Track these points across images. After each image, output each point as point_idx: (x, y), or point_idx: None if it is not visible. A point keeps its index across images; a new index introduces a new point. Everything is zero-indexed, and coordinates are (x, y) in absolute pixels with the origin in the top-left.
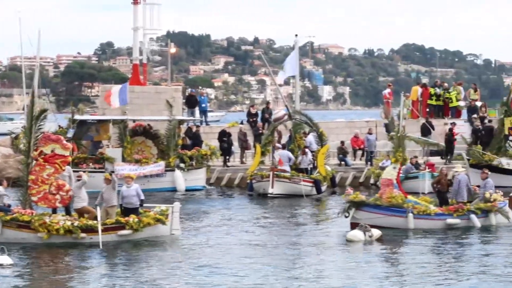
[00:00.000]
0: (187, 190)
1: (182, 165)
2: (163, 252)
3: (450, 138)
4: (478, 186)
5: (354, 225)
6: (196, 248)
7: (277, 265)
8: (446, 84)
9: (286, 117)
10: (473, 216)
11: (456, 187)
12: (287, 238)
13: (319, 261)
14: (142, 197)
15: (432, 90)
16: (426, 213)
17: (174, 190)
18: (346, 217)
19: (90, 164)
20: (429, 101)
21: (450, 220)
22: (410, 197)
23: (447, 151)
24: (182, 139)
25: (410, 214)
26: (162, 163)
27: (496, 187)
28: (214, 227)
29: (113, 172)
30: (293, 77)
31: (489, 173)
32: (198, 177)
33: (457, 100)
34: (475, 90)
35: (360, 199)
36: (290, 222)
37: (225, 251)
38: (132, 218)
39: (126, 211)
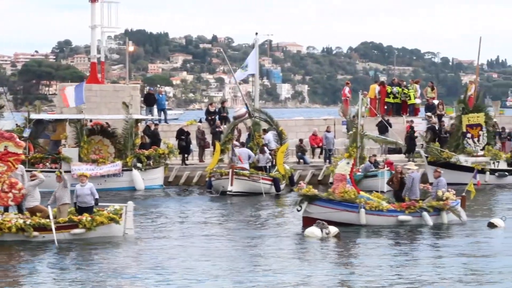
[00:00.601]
0: (145, 189)
1: (139, 164)
2: (116, 251)
3: (411, 135)
4: (431, 184)
5: (306, 219)
6: (149, 247)
7: (231, 263)
8: (404, 82)
9: (246, 115)
10: (425, 213)
11: (409, 185)
12: (242, 236)
13: (272, 258)
14: (97, 196)
15: (389, 89)
16: (378, 209)
17: (131, 189)
18: (298, 210)
19: (47, 164)
20: (386, 99)
21: (402, 217)
22: (362, 193)
23: (408, 149)
24: (140, 138)
25: (362, 210)
26: (119, 163)
27: (454, 184)
28: (170, 226)
29: (68, 171)
30: (253, 75)
31: (442, 171)
32: (156, 177)
33: (414, 98)
34: (432, 88)
35: (312, 193)
36: (248, 220)
37: (179, 250)
38: (85, 217)
39: (81, 210)
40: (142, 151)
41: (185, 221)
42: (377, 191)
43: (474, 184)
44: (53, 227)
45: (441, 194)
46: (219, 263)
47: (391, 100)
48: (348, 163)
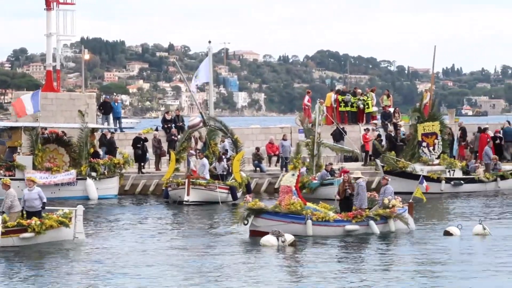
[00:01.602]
0: (99, 199)
1: (93, 173)
2: (65, 256)
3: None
4: (377, 191)
5: (253, 233)
6: (99, 253)
7: (179, 271)
8: (359, 90)
9: (201, 124)
10: (372, 222)
11: (362, 194)
12: (195, 245)
13: (224, 266)
14: (44, 200)
15: (340, 97)
16: (325, 219)
17: (86, 198)
18: (245, 224)
19: (1, 171)
20: (340, 108)
21: (349, 227)
22: (309, 204)
23: (367, 156)
24: (93, 147)
25: (309, 221)
26: (73, 172)
27: (411, 193)
28: (122, 234)
29: (22, 179)
30: (207, 83)
31: (389, 179)
32: (110, 186)
33: (372, 106)
34: (388, 96)
35: (259, 206)
36: (202, 229)
37: (128, 258)
38: (34, 221)
39: (28, 214)
40: (97, 160)
41: (136, 229)
42: (332, 199)
43: (423, 192)
44: None
45: (388, 202)
46: (169, 272)
47: (342, 108)
48: (293, 174)
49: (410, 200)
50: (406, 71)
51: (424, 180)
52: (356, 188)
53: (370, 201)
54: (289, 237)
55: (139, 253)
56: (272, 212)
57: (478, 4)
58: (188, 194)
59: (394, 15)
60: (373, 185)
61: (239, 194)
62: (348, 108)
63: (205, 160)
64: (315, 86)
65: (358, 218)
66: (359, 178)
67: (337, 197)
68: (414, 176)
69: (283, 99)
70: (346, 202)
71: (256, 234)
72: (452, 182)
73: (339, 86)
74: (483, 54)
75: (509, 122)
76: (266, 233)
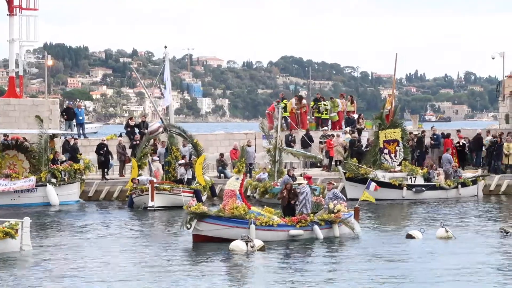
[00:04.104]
0: (60, 205)
1: (53, 180)
2: (10, 268)
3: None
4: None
5: (196, 237)
6: (49, 262)
7: (140, 279)
8: (323, 97)
9: (161, 129)
10: (316, 227)
11: (303, 200)
12: (154, 250)
13: (188, 271)
14: None
15: (312, 103)
16: (269, 224)
17: (46, 205)
18: (188, 228)
19: None
20: (316, 115)
21: (293, 231)
22: (253, 208)
23: (331, 162)
24: (55, 153)
25: (253, 225)
26: (33, 178)
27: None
28: (75, 241)
29: None
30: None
31: (335, 183)
32: (71, 192)
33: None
34: (352, 102)
35: (202, 210)
36: (166, 234)
37: (79, 268)
38: None
39: None
40: (57, 166)
41: (95, 236)
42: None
43: (372, 193)
44: None
45: (332, 207)
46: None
47: (317, 114)
48: (237, 178)
49: (356, 205)
50: (369, 77)
51: (372, 183)
52: (301, 195)
53: (316, 206)
54: (258, 242)
55: (93, 264)
56: (215, 216)
57: (441, 11)
58: (152, 200)
59: (358, 21)
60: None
61: (204, 198)
62: (321, 115)
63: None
64: (279, 92)
65: (302, 223)
66: (301, 183)
67: (281, 202)
68: (376, 183)
69: (247, 105)
70: (289, 208)
71: (200, 239)
72: (413, 189)
73: (302, 92)
74: (446, 60)
75: None
76: (209, 238)
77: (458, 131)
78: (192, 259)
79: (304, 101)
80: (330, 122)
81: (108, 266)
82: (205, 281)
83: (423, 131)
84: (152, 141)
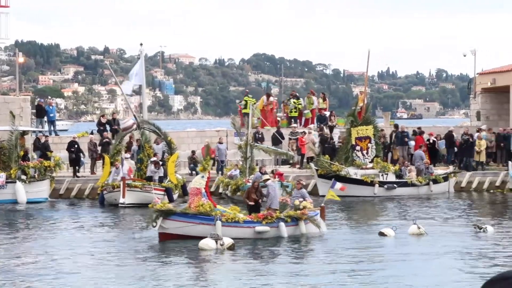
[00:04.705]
0: (28, 202)
1: (23, 177)
2: None
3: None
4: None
5: (162, 235)
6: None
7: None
8: (297, 94)
9: (134, 126)
10: (281, 224)
11: (273, 193)
12: (129, 248)
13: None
14: None
15: (294, 102)
16: (235, 220)
17: (15, 202)
18: (154, 226)
19: None
20: (291, 114)
21: (259, 228)
22: (219, 206)
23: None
24: (25, 151)
25: (218, 222)
26: (2, 175)
27: (344, 196)
28: (39, 240)
29: None
30: (140, 86)
31: (304, 183)
32: (41, 189)
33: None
34: (324, 100)
35: (167, 208)
36: (136, 232)
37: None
38: None
39: None
40: (27, 163)
41: (60, 233)
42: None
43: (339, 192)
44: None
45: (298, 203)
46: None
47: (293, 114)
48: (203, 176)
49: (322, 204)
50: (341, 75)
51: (336, 182)
52: (270, 189)
53: (282, 206)
54: (228, 240)
55: (57, 261)
56: (181, 213)
57: (412, 10)
58: (123, 197)
59: (330, 19)
60: (309, 188)
61: (175, 196)
62: (294, 113)
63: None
64: (250, 89)
65: (268, 220)
66: (268, 179)
67: (248, 202)
68: (348, 180)
69: (219, 102)
70: (255, 206)
71: (166, 237)
72: (385, 186)
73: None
74: (418, 58)
75: None
76: (175, 236)
77: (419, 128)
78: (160, 258)
79: (271, 99)
80: (303, 120)
81: (72, 264)
82: (172, 279)
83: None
84: (128, 138)
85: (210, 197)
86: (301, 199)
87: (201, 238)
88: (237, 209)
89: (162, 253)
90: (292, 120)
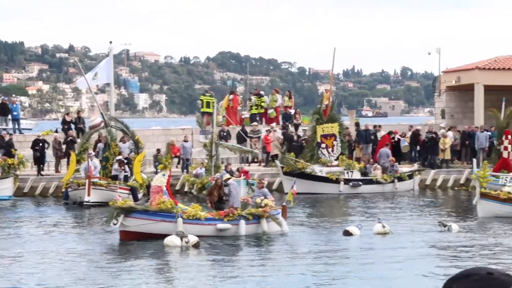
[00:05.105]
0: None
1: None
2: None
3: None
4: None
5: (123, 233)
6: None
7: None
8: (262, 92)
9: (102, 124)
10: (242, 221)
11: (235, 193)
12: (84, 246)
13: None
14: None
15: (255, 99)
16: (196, 217)
17: None
18: (115, 224)
19: None
20: (251, 111)
21: (221, 225)
22: (180, 204)
23: (268, 157)
24: None
25: (180, 219)
26: None
27: (309, 193)
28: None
29: None
30: (108, 84)
31: (265, 182)
32: (4, 187)
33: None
34: (290, 97)
35: (128, 205)
36: (101, 230)
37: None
38: None
39: None
40: None
41: (26, 232)
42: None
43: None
44: None
45: (260, 201)
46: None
47: (254, 111)
48: (164, 174)
49: (284, 203)
50: (307, 73)
51: (295, 184)
52: (232, 188)
53: (243, 205)
54: (193, 238)
55: (22, 259)
56: (142, 211)
57: (377, 8)
58: (88, 195)
59: (295, 17)
60: (274, 186)
61: (140, 195)
62: (260, 110)
63: (96, 162)
64: (216, 87)
65: (230, 217)
66: (229, 178)
67: (211, 199)
68: (313, 177)
69: (184, 100)
70: (219, 205)
71: (127, 235)
72: (350, 183)
73: (240, 87)
74: (383, 56)
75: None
76: (137, 233)
77: (379, 126)
78: (124, 255)
79: (230, 96)
80: (266, 117)
81: (32, 263)
82: (136, 277)
83: (375, 126)
84: (97, 137)
85: (171, 195)
86: (263, 198)
87: (162, 235)
88: (199, 208)
89: (126, 250)
90: (253, 117)
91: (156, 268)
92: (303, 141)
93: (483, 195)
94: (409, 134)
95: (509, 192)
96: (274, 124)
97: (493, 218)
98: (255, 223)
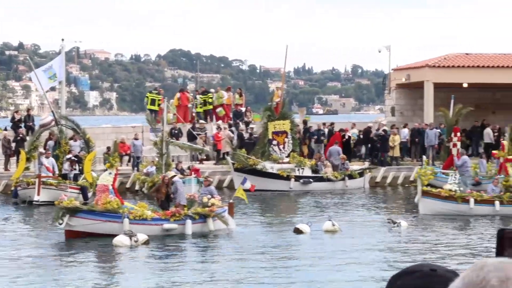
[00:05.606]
0: None
1: None
2: None
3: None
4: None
5: (69, 233)
6: None
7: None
8: (212, 90)
9: (53, 123)
10: (188, 221)
11: (181, 190)
12: (46, 246)
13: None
14: None
15: (200, 97)
16: (143, 217)
17: None
18: (60, 224)
19: None
20: (196, 110)
21: (167, 225)
22: (126, 203)
23: (219, 155)
24: None
25: (126, 219)
26: None
27: (260, 190)
28: None
29: None
30: (59, 82)
31: (212, 180)
32: None
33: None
34: (240, 95)
35: (74, 205)
36: (52, 230)
37: None
38: None
39: None
40: None
41: None
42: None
43: (246, 190)
44: None
45: (207, 201)
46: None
47: (199, 109)
48: (110, 173)
49: (231, 201)
50: (258, 70)
51: (247, 180)
52: (179, 185)
53: (190, 202)
54: (142, 237)
55: None
56: (88, 211)
57: (328, 6)
58: (38, 194)
59: (246, 14)
60: (225, 184)
61: (90, 194)
62: (206, 107)
63: (52, 160)
64: (167, 85)
65: (176, 217)
66: (174, 176)
67: (158, 196)
68: (264, 174)
69: (135, 98)
70: (166, 203)
71: (72, 235)
72: (301, 180)
73: (191, 85)
74: (333, 54)
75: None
76: (82, 233)
77: (332, 124)
78: (71, 255)
79: (178, 94)
80: (216, 114)
81: None
82: (80, 275)
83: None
84: (47, 135)
85: (118, 194)
86: (209, 196)
87: (108, 235)
88: (145, 206)
89: (73, 250)
90: (198, 116)
91: (104, 267)
92: (256, 138)
93: (425, 193)
94: (352, 131)
95: (450, 190)
96: (220, 122)
97: (435, 215)
98: (202, 222)
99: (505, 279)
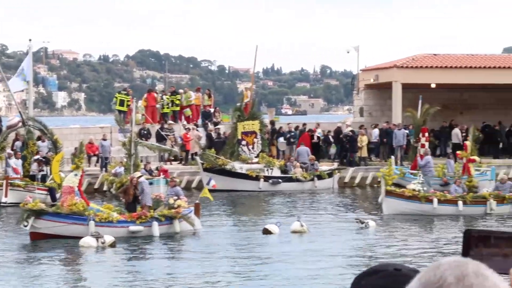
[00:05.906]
0: None
1: None
2: None
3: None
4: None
5: (34, 235)
6: None
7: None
8: (181, 90)
9: (20, 124)
10: (154, 223)
11: (147, 190)
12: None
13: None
14: None
15: (167, 98)
16: (108, 220)
17: None
18: (25, 226)
19: None
20: (163, 110)
21: (133, 227)
22: (92, 204)
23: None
24: None
25: (92, 222)
26: None
27: (229, 190)
28: None
29: None
30: (27, 82)
31: (178, 180)
32: None
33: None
34: (209, 96)
35: (39, 207)
36: (18, 231)
37: None
38: None
39: None
40: None
41: None
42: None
43: (211, 190)
44: None
45: (173, 202)
46: None
47: (166, 110)
48: (76, 175)
49: (197, 201)
50: (226, 71)
51: (211, 180)
52: (144, 186)
53: (156, 202)
54: (109, 238)
55: None
56: (53, 213)
57: (296, 5)
58: (6, 196)
59: (215, 14)
60: (194, 184)
61: (58, 195)
62: (174, 108)
63: (19, 161)
64: (135, 85)
65: (142, 219)
66: (141, 176)
67: (125, 198)
68: (233, 174)
69: (103, 98)
70: (133, 204)
71: (37, 237)
72: (270, 181)
73: (159, 86)
74: (302, 54)
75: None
76: (47, 235)
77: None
78: (37, 257)
79: (145, 95)
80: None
81: None
82: (46, 277)
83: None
84: (14, 136)
85: (83, 195)
86: (175, 197)
87: (74, 238)
88: (111, 207)
89: (39, 252)
90: (164, 116)
91: (70, 269)
92: (225, 138)
93: (388, 193)
94: (318, 132)
95: (414, 190)
96: (185, 123)
97: (398, 215)
98: (168, 224)
99: (462, 277)
